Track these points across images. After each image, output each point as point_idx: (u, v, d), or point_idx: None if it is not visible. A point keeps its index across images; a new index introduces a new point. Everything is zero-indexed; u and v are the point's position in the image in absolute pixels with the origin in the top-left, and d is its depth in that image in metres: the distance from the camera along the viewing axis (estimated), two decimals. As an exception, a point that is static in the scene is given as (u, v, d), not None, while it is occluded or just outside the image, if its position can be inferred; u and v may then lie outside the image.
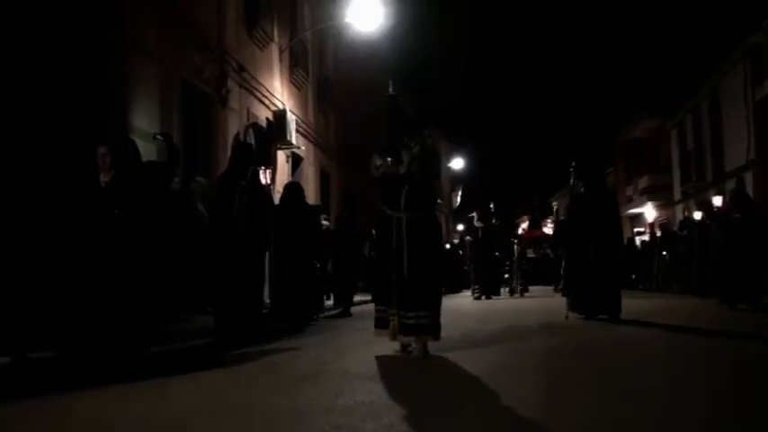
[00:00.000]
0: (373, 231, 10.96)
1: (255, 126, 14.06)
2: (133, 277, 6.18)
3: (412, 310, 5.73)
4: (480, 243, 15.86)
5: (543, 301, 13.71)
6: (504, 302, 14.26)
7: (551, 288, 17.77)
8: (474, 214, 16.46)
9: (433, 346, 5.87)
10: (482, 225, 16.01)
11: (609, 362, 5.55)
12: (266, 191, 8.50)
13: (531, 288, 17.60)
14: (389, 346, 5.99)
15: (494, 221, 16.50)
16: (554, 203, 45.02)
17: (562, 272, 15.64)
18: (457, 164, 41.14)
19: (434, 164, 6.19)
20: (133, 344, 5.99)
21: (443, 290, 11.42)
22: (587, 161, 10.05)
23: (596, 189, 9.44)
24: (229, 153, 8.55)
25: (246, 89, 13.93)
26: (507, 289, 17.34)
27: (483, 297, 15.15)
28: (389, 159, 5.95)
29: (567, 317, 9.03)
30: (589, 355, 5.97)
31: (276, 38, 15.83)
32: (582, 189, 9.56)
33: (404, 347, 5.89)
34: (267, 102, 15.12)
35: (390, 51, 24.78)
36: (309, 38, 18.26)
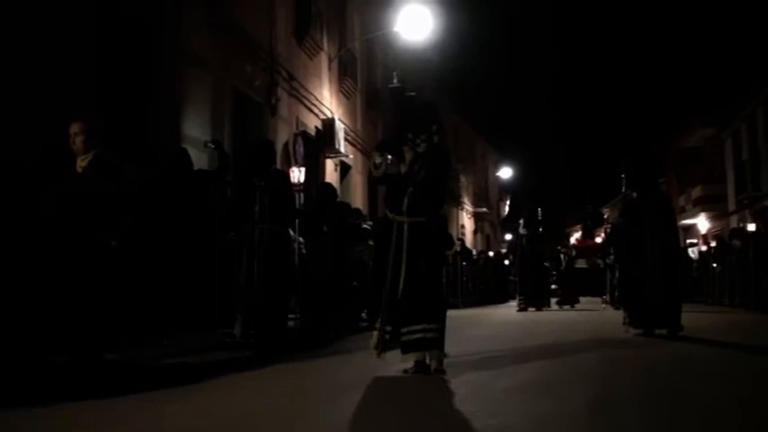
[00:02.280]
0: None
1: (304, 134, 14.13)
2: (139, 285, 5.87)
3: (416, 323, 5.11)
4: (526, 252, 15.18)
5: (594, 315, 13.20)
6: (551, 314, 13.78)
7: (602, 300, 17.33)
8: (520, 221, 15.70)
9: (469, 363, 5.42)
10: (527, 233, 15.34)
11: (668, 381, 5.20)
12: (291, 192, 7.84)
13: (581, 299, 17.11)
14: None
15: (540, 229, 15.85)
16: (605, 212, 44.45)
17: (614, 282, 15.37)
18: (505, 173, 40.88)
19: (442, 164, 5.48)
20: (148, 355, 5.79)
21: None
22: (641, 165, 9.40)
23: (651, 194, 8.74)
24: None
25: (296, 98, 14.02)
26: (556, 300, 16.91)
27: (529, 308, 14.61)
28: (390, 157, 5.41)
29: (627, 331, 8.37)
30: (649, 374, 5.53)
31: (326, 47, 15.91)
32: (635, 195, 9.00)
33: (418, 365, 5.18)
34: (316, 110, 15.19)
35: (439, 60, 24.73)
36: (358, 47, 18.32)
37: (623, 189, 9.56)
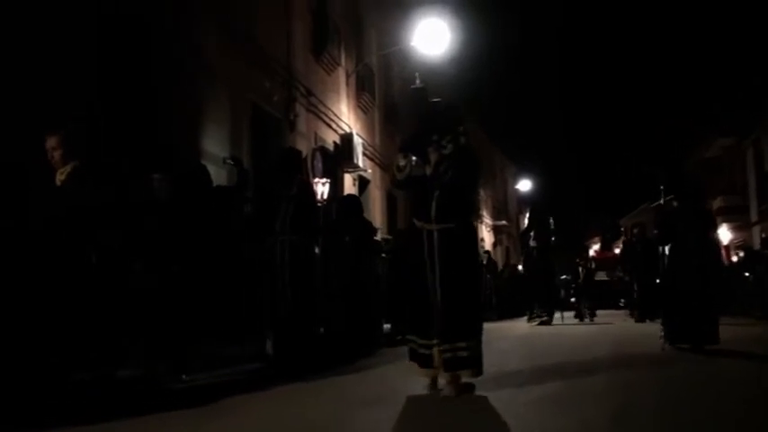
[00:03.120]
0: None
1: (323, 149, 14.19)
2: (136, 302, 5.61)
3: (447, 341, 4.83)
4: (538, 264, 14.53)
5: (614, 328, 12.86)
6: (570, 328, 13.46)
7: (622, 312, 17.09)
8: (531, 233, 15.03)
9: (487, 378, 5.10)
10: (536, 244, 14.63)
11: (692, 396, 5.02)
12: (315, 203, 7.54)
13: (599, 312, 16.86)
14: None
15: (552, 239, 15.16)
16: (623, 224, 44.10)
17: (635, 295, 15.17)
18: (524, 186, 40.79)
19: (471, 166, 5.14)
20: (171, 371, 5.69)
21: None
22: (682, 174, 8.97)
23: (691, 205, 8.32)
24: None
25: (314, 113, 14.08)
26: (574, 314, 16.62)
27: (538, 322, 13.90)
28: (415, 159, 5.06)
29: (663, 348, 7.91)
30: (673, 389, 5.28)
31: (343, 62, 15.99)
32: (675, 204, 8.53)
33: (434, 383, 5.02)
34: (334, 125, 15.26)
35: (457, 73, 24.76)
36: (375, 62, 18.40)
37: (661, 200, 9.09)
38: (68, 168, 5.13)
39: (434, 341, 4.85)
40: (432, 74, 21.48)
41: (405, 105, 19.89)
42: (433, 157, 5.01)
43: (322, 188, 10.11)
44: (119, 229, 5.34)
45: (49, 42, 7.00)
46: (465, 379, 4.91)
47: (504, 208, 38.95)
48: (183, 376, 5.76)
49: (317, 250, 7.57)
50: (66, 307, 4.79)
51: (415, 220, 5.08)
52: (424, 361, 4.92)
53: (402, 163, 5.13)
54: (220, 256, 7.17)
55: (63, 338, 4.77)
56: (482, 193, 32.16)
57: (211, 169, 8.53)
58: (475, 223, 29.77)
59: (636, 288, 14.89)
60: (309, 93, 13.74)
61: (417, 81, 17.26)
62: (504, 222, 36.97)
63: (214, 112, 10.02)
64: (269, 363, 6.66)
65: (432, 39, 16.77)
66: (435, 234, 4.92)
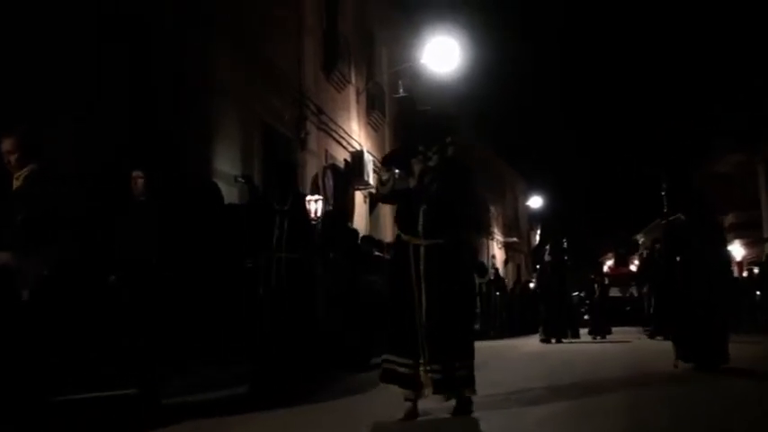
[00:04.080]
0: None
1: (333, 167, 14.23)
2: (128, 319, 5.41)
3: (439, 361, 4.53)
4: (552, 281, 14.45)
5: (629, 346, 12.59)
6: (582, 346, 13.10)
7: (637, 329, 16.91)
8: (546, 248, 15.08)
9: (497, 398, 4.91)
10: (551, 260, 14.61)
11: (705, 415, 4.85)
12: (308, 218, 7.21)
13: (614, 329, 16.71)
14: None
15: (566, 258, 15.16)
16: (639, 239, 43.94)
17: (651, 311, 14.97)
18: (535, 203, 40.72)
19: (459, 178, 4.84)
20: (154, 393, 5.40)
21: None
22: (688, 184, 8.71)
23: (700, 218, 8.01)
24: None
25: (324, 131, 14.14)
26: (588, 330, 16.48)
27: (552, 340, 13.76)
28: (398, 172, 4.74)
29: (675, 366, 7.66)
30: (685, 409, 5.15)
31: (353, 80, 16.07)
32: (682, 217, 8.20)
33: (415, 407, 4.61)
34: (345, 143, 15.31)
35: (466, 91, 24.81)
36: (386, 79, 18.48)
37: (665, 210, 8.65)
38: (25, 172, 4.81)
39: (420, 361, 4.56)
40: (441, 91, 21.56)
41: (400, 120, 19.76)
42: (416, 169, 4.73)
43: (315, 205, 9.43)
44: (83, 237, 5.10)
45: (81, 68, 7.13)
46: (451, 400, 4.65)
47: (516, 225, 38.88)
48: (162, 400, 5.45)
49: (314, 266, 7.27)
50: (26, 325, 4.51)
51: (402, 234, 4.82)
52: (405, 381, 4.59)
53: (385, 177, 4.85)
54: (213, 272, 7.13)
55: (27, 360, 4.53)
56: (492, 209, 32.14)
57: (223, 187, 8.58)
58: (483, 239, 29.84)
59: (652, 304, 14.71)
60: (320, 111, 13.80)
61: (401, 90, 17.08)
62: (515, 239, 36.91)
63: (225, 131, 10.08)
64: (253, 385, 6.30)
65: (441, 56, 16.85)
66: (422, 249, 4.67)
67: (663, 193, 8.41)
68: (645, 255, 19.05)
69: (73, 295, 5.31)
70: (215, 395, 6.03)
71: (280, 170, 7.13)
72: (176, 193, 7.68)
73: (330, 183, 13.63)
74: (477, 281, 16.21)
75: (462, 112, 25.68)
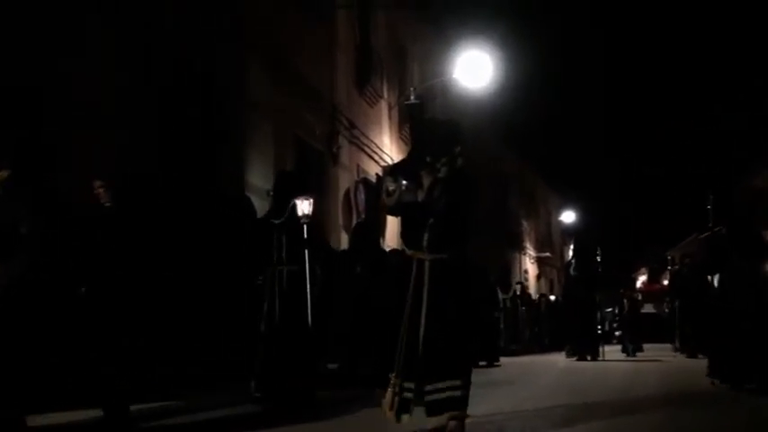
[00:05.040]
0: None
1: (365, 182, 14.28)
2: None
3: (441, 380, 4.30)
4: (580, 295, 13.79)
5: (662, 365, 12.08)
6: (613, 364, 12.59)
7: (669, 347, 16.52)
8: (572, 261, 14.54)
9: (517, 421, 4.71)
10: (578, 274, 13.95)
11: None
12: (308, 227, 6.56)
13: (646, 347, 16.30)
14: None
15: (599, 269, 14.60)
16: (669, 255, 43.36)
17: (684, 328, 14.55)
18: (568, 217, 40.42)
19: (467, 191, 4.65)
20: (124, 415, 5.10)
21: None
22: (730, 199, 8.40)
23: (742, 232, 7.77)
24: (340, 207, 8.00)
25: (357, 145, 14.21)
26: (621, 348, 15.95)
27: (578, 357, 13.21)
28: (405, 183, 4.51)
29: (712, 383, 7.48)
30: None
31: (386, 95, 16.14)
32: (724, 231, 8.08)
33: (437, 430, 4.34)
34: (377, 157, 15.36)
35: (498, 106, 24.77)
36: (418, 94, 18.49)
37: (709, 223, 8.34)
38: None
39: (405, 381, 4.37)
40: (473, 105, 21.57)
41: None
42: (426, 181, 4.51)
43: (302, 206, 8.92)
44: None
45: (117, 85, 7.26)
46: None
47: (548, 240, 38.63)
48: (132, 424, 5.16)
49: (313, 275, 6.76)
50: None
51: (406, 249, 4.64)
52: (402, 406, 4.38)
53: (391, 187, 4.57)
54: (223, 283, 7.13)
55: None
56: (525, 224, 31.99)
57: (256, 201, 8.68)
58: (515, 254, 29.66)
59: (681, 321, 14.36)
60: (352, 125, 13.88)
61: (412, 97, 16.74)
62: (547, 254, 36.68)
63: (259, 146, 10.17)
64: (256, 405, 6.11)
65: (474, 71, 16.86)
66: (427, 264, 4.49)
67: (708, 207, 8.20)
68: (674, 270, 18.64)
69: (37, 308, 5.12)
70: (219, 414, 5.87)
71: (277, 181, 6.89)
72: (210, 206, 7.81)
73: (362, 197, 13.67)
74: (501, 296, 16.02)
75: (494, 127, 25.65)
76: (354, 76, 14.33)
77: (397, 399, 4.40)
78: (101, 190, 5.16)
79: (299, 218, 6.15)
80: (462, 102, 20.93)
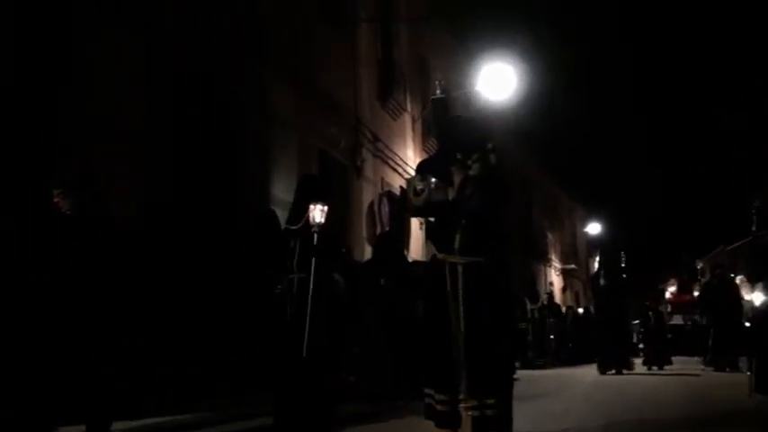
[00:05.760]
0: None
1: (389, 194, 14.28)
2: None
3: (476, 397, 4.03)
4: (610, 305, 13.42)
5: (692, 380, 11.58)
6: (639, 378, 12.13)
7: (697, 360, 16.12)
8: (601, 271, 14.16)
9: None
10: (605, 283, 13.62)
11: None
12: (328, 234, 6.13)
13: (674, 359, 15.86)
14: None
15: (624, 276, 14.30)
16: (699, 265, 42.80)
17: (717, 340, 14.16)
18: (593, 229, 40.15)
19: (501, 190, 4.36)
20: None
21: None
22: None
23: None
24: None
25: (380, 158, 14.23)
26: (642, 360, 15.09)
27: (609, 371, 12.86)
28: (434, 181, 4.20)
29: (750, 395, 7.18)
30: None
31: (409, 107, 16.16)
32: None
33: None
34: (401, 170, 15.36)
35: (522, 117, 24.71)
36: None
37: (753, 227, 8.01)
38: None
39: (460, 396, 4.07)
40: (497, 117, 21.53)
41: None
42: (456, 179, 4.20)
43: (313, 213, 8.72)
44: None
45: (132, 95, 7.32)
46: None
47: (574, 251, 38.40)
48: None
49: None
50: None
51: (437, 253, 4.30)
52: (442, 420, 4.12)
53: (419, 186, 4.26)
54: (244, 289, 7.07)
55: None
56: (549, 236, 31.82)
57: (280, 214, 8.68)
58: (540, 265, 29.50)
59: (712, 333, 13.98)
60: (376, 138, 13.91)
61: (438, 91, 16.42)
62: (573, 266, 36.46)
63: (282, 159, 10.21)
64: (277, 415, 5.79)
65: (497, 83, 16.80)
66: (460, 269, 4.15)
67: (753, 211, 7.97)
68: (705, 281, 18.29)
69: (37, 308, 4.94)
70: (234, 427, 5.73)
71: (298, 186, 6.52)
72: (232, 217, 7.83)
73: (386, 209, 13.66)
74: (529, 307, 15.84)
75: (516, 139, 25.58)
76: (377, 90, 14.37)
77: (434, 411, 4.17)
78: (59, 198, 4.98)
79: (311, 226, 5.85)
80: (485, 112, 20.90)
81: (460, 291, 4.12)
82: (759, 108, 27.26)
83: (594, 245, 41.69)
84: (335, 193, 11.83)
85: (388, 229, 13.05)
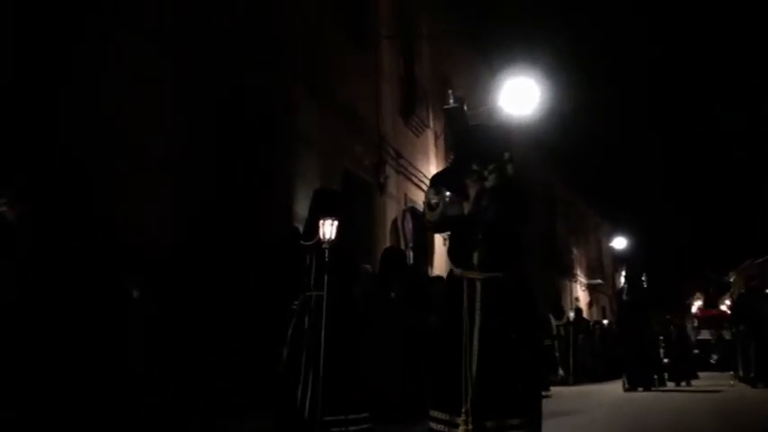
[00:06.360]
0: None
1: (413, 210, 14.31)
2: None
3: (492, 417, 3.77)
4: (634, 321, 13.29)
5: (722, 396, 11.32)
6: (666, 395, 11.84)
7: (726, 375, 15.84)
8: (624, 286, 14.09)
9: None
10: (629, 298, 13.51)
11: None
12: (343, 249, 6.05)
13: (701, 375, 15.55)
14: None
15: (645, 287, 14.20)
16: (731, 278, 42.25)
17: (749, 355, 13.75)
18: (619, 244, 39.86)
19: (519, 201, 4.13)
20: None
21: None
22: None
23: None
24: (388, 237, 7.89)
25: (403, 175, 14.27)
26: (668, 376, 14.46)
27: (638, 388, 12.60)
28: (448, 195, 3.99)
29: None
30: None
31: (431, 124, 16.20)
32: None
33: None
34: (424, 187, 15.32)
35: (546, 132, 24.64)
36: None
37: None
38: None
39: (462, 419, 3.81)
40: (519, 133, 21.51)
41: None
42: (472, 191, 4.00)
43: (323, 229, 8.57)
44: None
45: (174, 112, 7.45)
46: None
47: (599, 266, 38.15)
48: None
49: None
50: None
51: (454, 268, 4.12)
52: None
53: (434, 200, 4.02)
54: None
55: None
56: (575, 251, 31.66)
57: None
58: (566, 281, 29.32)
59: (753, 347, 13.43)
60: (399, 155, 13.96)
61: (451, 100, 16.07)
62: (599, 281, 36.23)
63: (306, 176, 10.28)
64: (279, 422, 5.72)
65: (520, 98, 16.81)
66: (478, 285, 3.95)
67: None
68: (738, 293, 17.96)
69: (37, 308, 5.00)
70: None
71: (312, 200, 6.37)
72: (257, 235, 7.88)
73: (409, 226, 13.70)
74: (554, 323, 15.73)
75: (542, 154, 25.52)
76: (400, 106, 14.44)
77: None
78: (5, 208, 4.89)
79: (323, 241, 5.72)
80: (504, 124, 20.89)
81: (478, 307, 3.94)
82: (759, 108, 26.99)
83: (620, 260, 41.41)
84: (356, 208, 11.89)
85: (411, 245, 13.08)
